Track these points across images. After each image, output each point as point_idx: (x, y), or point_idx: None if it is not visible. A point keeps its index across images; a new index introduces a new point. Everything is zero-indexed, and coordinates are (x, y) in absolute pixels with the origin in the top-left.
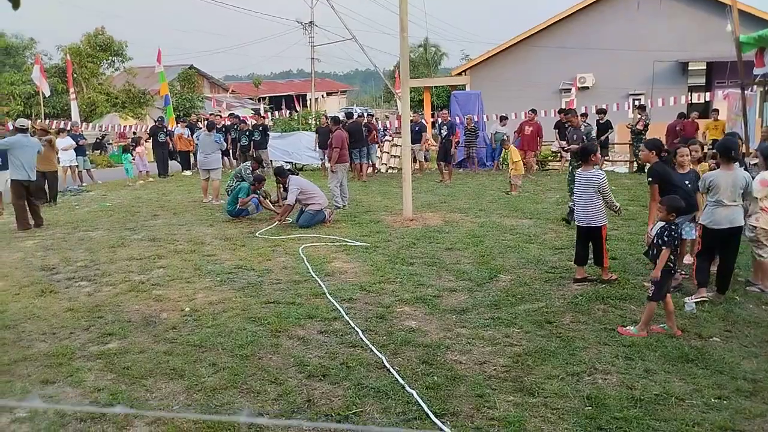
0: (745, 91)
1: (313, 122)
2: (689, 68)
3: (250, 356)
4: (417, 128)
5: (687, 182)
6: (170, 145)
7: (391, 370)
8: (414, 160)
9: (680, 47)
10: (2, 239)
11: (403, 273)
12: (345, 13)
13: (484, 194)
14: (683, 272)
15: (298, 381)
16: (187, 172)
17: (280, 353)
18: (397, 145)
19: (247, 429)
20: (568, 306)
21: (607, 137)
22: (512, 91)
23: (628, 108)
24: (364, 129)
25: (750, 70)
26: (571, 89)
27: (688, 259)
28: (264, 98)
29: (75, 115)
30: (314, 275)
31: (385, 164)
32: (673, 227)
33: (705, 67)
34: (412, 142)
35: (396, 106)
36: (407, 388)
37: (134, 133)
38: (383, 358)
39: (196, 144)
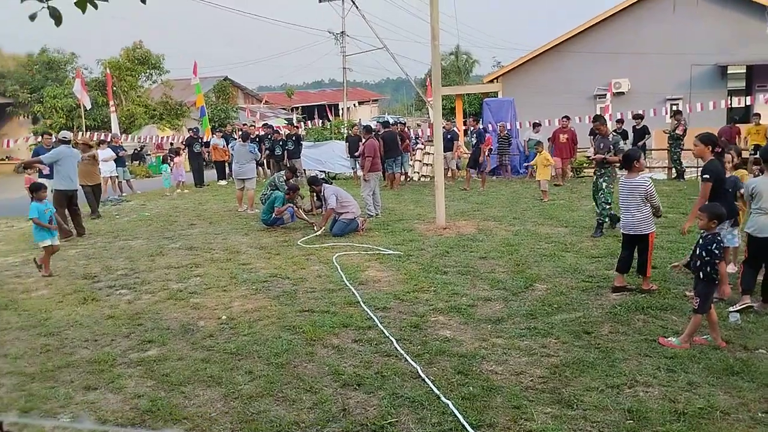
0: None
1: (345, 131)
2: (728, 72)
3: (285, 364)
4: (449, 136)
5: (728, 188)
6: (205, 155)
7: (426, 380)
8: (446, 168)
9: (719, 50)
10: None
11: (437, 282)
12: (376, 23)
13: (518, 202)
14: (729, 283)
15: (333, 390)
16: (223, 182)
17: (315, 362)
18: (429, 153)
19: None
20: (606, 316)
21: (644, 143)
22: (545, 97)
23: (666, 113)
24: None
25: None
26: (606, 95)
27: (732, 268)
28: (297, 108)
29: (115, 127)
30: (348, 284)
31: (418, 172)
32: (719, 237)
33: (745, 71)
34: (444, 150)
35: (427, 114)
36: (443, 399)
37: (171, 144)
38: (418, 368)
39: (232, 154)
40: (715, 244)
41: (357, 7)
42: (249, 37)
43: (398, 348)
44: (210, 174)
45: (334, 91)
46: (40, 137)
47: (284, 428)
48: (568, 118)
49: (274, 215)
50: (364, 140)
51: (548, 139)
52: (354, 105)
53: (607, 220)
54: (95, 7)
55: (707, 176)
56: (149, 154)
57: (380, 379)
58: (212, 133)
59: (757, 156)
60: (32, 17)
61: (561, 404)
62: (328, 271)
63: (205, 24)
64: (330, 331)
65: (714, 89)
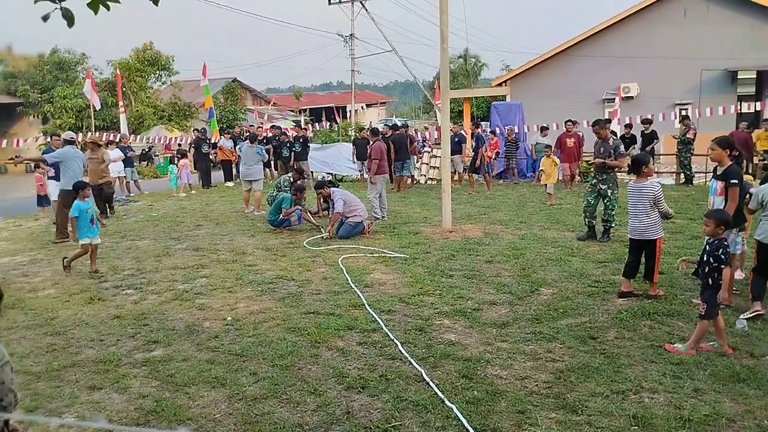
0: None
1: (353, 134)
2: (738, 77)
3: (290, 366)
4: (456, 139)
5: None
6: (212, 156)
7: (431, 383)
8: (453, 171)
9: (729, 55)
10: (53, 248)
11: (442, 285)
12: (385, 25)
13: (525, 206)
14: (735, 288)
15: (337, 392)
16: (230, 183)
17: (320, 364)
18: (436, 156)
19: None
20: (612, 321)
21: (653, 148)
22: (554, 101)
23: (675, 118)
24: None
25: None
26: (614, 99)
27: (739, 275)
28: (304, 110)
29: (124, 127)
30: (353, 286)
31: (425, 175)
32: (726, 243)
33: (755, 76)
34: (452, 154)
35: (435, 117)
36: (447, 403)
37: (179, 145)
38: (422, 371)
39: (239, 155)
40: (721, 250)
41: (366, 10)
42: (258, 39)
43: (403, 351)
44: (217, 175)
45: (342, 93)
46: (50, 138)
47: (288, 430)
48: (573, 122)
49: (281, 216)
50: (371, 143)
51: (554, 146)
52: (362, 107)
53: (612, 225)
54: (107, 8)
55: (735, 180)
56: (157, 155)
57: (384, 382)
58: (221, 135)
59: (767, 162)
60: (45, 18)
61: (566, 409)
62: (334, 274)
63: (214, 26)
64: (335, 334)
65: (724, 94)
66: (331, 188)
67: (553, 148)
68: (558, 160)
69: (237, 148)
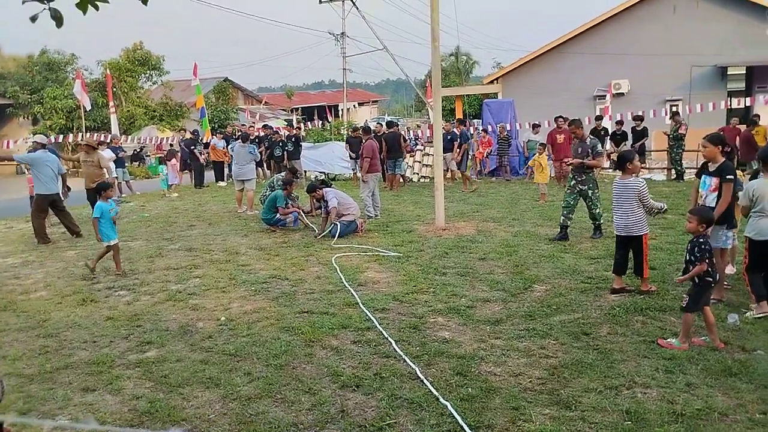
0: None
1: (345, 132)
2: (728, 73)
3: (284, 366)
4: (449, 137)
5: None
6: (202, 157)
7: (425, 381)
8: (446, 169)
9: (719, 51)
10: (45, 250)
11: (436, 283)
12: (376, 24)
13: (518, 203)
14: (727, 283)
15: (331, 391)
16: (222, 183)
17: (314, 363)
18: (429, 155)
19: None
20: (605, 317)
21: (644, 144)
22: (545, 98)
23: (665, 114)
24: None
25: None
26: (605, 96)
27: (730, 270)
28: (296, 109)
29: (114, 128)
30: (347, 285)
31: (417, 173)
32: (702, 240)
33: (745, 72)
34: (444, 151)
35: (427, 115)
36: (441, 400)
37: (171, 145)
38: (417, 369)
39: (231, 155)
40: (697, 247)
41: (357, 8)
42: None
43: (397, 349)
44: (209, 175)
45: (334, 92)
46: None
47: (283, 429)
48: (564, 118)
49: (278, 216)
50: (363, 141)
51: (546, 141)
52: (354, 106)
53: (600, 220)
54: (96, 8)
55: (731, 176)
56: (149, 155)
57: (379, 381)
58: (212, 134)
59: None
60: (33, 18)
61: (559, 405)
62: (328, 273)
63: (205, 25)
64: (329, 333)
65: (714, 90)
66: (324, 189)
67: (543, 145)
68: (545, 161)
69: (229, 147)
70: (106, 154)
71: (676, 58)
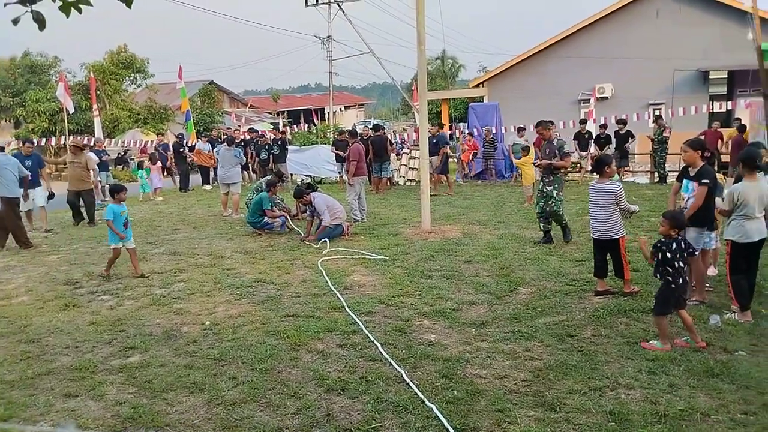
0: None
1: (332, 136)
2: (710, 77)
3: (269, 370)
4: (434, 140)
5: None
6: (188, 159)
7: (411, 384)
8: (432, 172)
9: (701, 56)
10: (26, 254)
11: (422, 286)
12: (362, 27)
13: (503, 206)
14: (709, 285)
15: (317, 395)
16: (207, 186)
17: (300, 367)
18: (415, 158)
19: None
20: (589, 319)
21: (627, 148)
22: (530, 102)
23: (649, 118)
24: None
25: None
26: (590, 99)
27: (712, 271)
28: (282, 112)
29: (98, 131)
30: (333, 288)
31: (403, 176)
32: (672, 242)
33: (726, 76)
34: (430, 155)
35: (414, 118)
36: (427, 403)
37: (156, 149)
38: (402, 372)
39: (217, 159)
40: (665, 247)
41: (343, 12)
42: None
43: (383, 352)
44: (195, 178)
45: (320, 95)
46: (22, 144)
47: None
48: (552, 122)
49: (265, 219)
50: (349, 144)
51: (533, 145)
52: (340, 109)
53: (564, 222)
54: (79, 11)
55: (707, 180)
56: (133, 159)
57: (365, 384)
58: (197, 138)
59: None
60: (15, 21)
61: (544, 407)
62: (313, 276)
63: (190, 28)
64: (314, 336)
65: (696, 94)
66: (312, 194)
67: (533, 148)
68: (526, 161)
69: (215, 151)
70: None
71: (659, 62)
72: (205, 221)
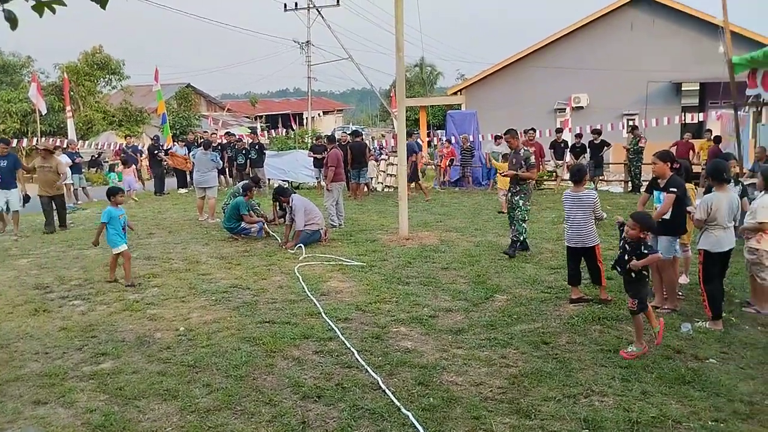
0: (738, 112)
1: (309, 141)
2: (683, 89)
3: (244, 377)
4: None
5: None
6: (164, 162)
7: (387, 391)
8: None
9: (674, 68)
10: None
11: (399, 293)
12: (341, 33)
13: (480, 213)
14: (681, 293)
15: (292, 402)
16: (183, 190)
17: (275, 374)
18: (393, 164)
19: None
20: (564, 326)
21: (602, 156)
22: (507, 110)
23: (623, 128)
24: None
25: (743, 91)
26: (565, 109)
27: (683, 280)
28: (260, 117)
29: (71, 133)
30: (310, 295)
31: (382, 183)
32: (645, 243)
33: (698, 88)
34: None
35: (392, 124)
36: (403, 410)
37: (124, 150)
38: (379, 380)
39: (193, 162)
40: (641, 248)
41: (323, 17)
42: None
43: (359, 359)
44: (170, 182)
45: (299, 100)
46: None
47: None
48: (534, 130)
49: (242, 225)
50: (328, 150)
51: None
52: (318, 114)
53: (522, 238)
54: (53, 11)
55: (674, 189)
56: (107, 161)
57: (341, 391)
58: (174, 141)
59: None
60: None
61: (519, 414)
62: (290, 282)
63: (167, 30)
64: (290, 343)
65: (669, 105)
66: (292, 196)
67: (506, 155)
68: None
69: (191, 154)
70: (62, 159)
71: (633, 73)
72: (181, 226)
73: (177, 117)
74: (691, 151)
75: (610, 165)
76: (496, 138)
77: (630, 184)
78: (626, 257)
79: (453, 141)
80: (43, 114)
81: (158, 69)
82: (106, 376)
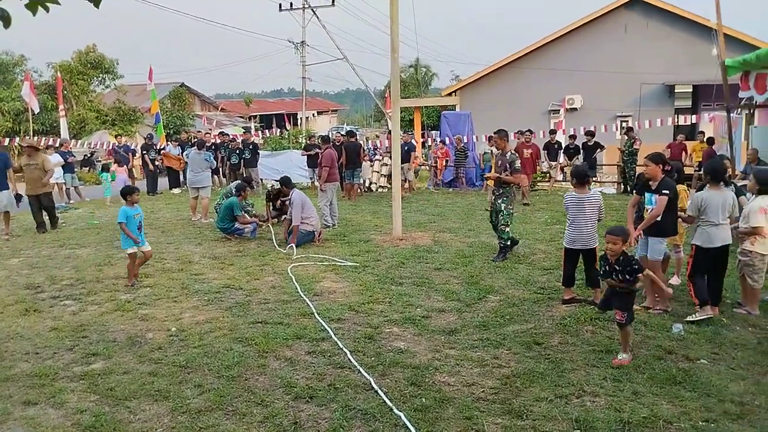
0: (731, 114)
1: (304, 141)
2: (676, 91)
3: (236, 377)
4: (406, 147)
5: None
6: (156, 162)
7: (379, 392)
8: (404, 179)
9: (667, 70)
10: None
11: (392, 293)
12: (336, 34)
13: (474, 214)
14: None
15: (284, 403)
16: (176, 190)
17: (267, 374)
18: (387, 165)
19: None
20: (556, 327)
21: (595, 158)
22: (502, 111)
23: (616, 129)
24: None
25: (735, 94)
26: (559, 110)
27: (675, 281)
28: (254, 116)
29: (64, 132)
30: (303, 295)
31: (375, 183)
32: (631, 259)
33: (691, 90)
34: (402, 162)
35: (387, 125)
36: (395, 411)
37: (116, 150)
38: (371, 380)
39: (186, 162)
40: (632, 264)
41: (318, 18)
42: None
43: (352, 360)
44: (163, 182)
45: (293, 100)
46: None
47: None
48: (531, 131)
49: (236, 225)
50: (322, 150)
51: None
52: (313, 115)
53: (509, 242)
54: (46, 9)
55: (667, 191)
56: (99, 161)
57: (333, 392)
58: (167, 141)
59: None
60: None
61: (511, 415)
62: (283, 282)
63: (162, 30)
64: (283, 343)
65: (662, 107)
66: (293, 190)
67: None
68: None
69: (184, 154)
70: (54, 158)
71: (626, 75)
72: (174, 225)
73: (171, 116)
74: (683, 153)
75: (604, 166)
76: (490, 139)
77: (623, 185)
78: (619, 276)
79: (447, 142)
80: (36, 113)
81: (152, 68)
82: (97, 377)
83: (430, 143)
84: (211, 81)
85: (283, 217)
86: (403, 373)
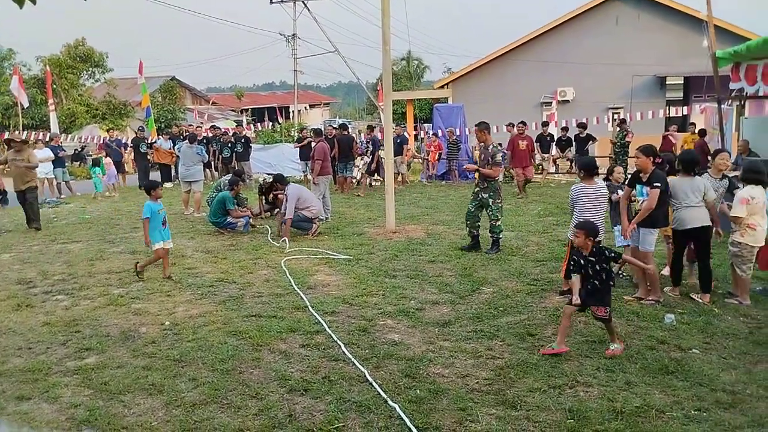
0: (722, 106)
1: (296, 134)
2: (667, 82)
3: (230, 371)
4: (398, 140)
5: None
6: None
7: (374, 384)
8: (396, 172)
9: (658, 62)
10: None
11: (386, 286)
12: (328, 26)
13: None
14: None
15: (279, 396)
16: (168, 184)
17: (262, 367)
18: (365, 161)
19: None
20: (549, 318)
21: (587, 150)
22: (494, 104)
23: (608, 121)
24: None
25: (726, 85)
26: (552, 102)
27: (666, 271)
28: (246, 110)
29: (54, 126)
30: (296, 288)
31: (355, 178)
32: (584, 259)
33: (682, 82)
34: (394, 155)
35: (379, 118)
36: (390, 402)
37: (107, 144)
38: (365, 372)
39: (178, 156)
40: (605, 254)
41: (309, 10)
42: (198, 37)
43: (346, 352)
44: (155, 176)
45: (285, 93)
46: None
47: None
48: (524, 123)
49: (229, 219)
50: (314, 143)
51: (506, 149)
52: (305, 108)
53: (502, 236)
54: (33, 2)
55: (658, 184)
56: (90, 155)
57: (327, 384)
58: (158, 135)
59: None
60: None
61: (505, 405)
62: (277, 276)
63: (151, 22)
64: (277, 336)
65: (653, 99)
66: (288, 185)
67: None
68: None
69: (176, 148)
70: (45, 153)
71: (618, 67)
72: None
73: (162, 110)
74: (672, 145)
75: (596, 159)
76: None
77: None
78: (597, 267)
79: (440, 134)
80: (25, 107)
81: (142, 62)
82: (91, 371)
83: (422, 136)
84: (202, 74)
85: (276, 210)
86: (397, 365)
